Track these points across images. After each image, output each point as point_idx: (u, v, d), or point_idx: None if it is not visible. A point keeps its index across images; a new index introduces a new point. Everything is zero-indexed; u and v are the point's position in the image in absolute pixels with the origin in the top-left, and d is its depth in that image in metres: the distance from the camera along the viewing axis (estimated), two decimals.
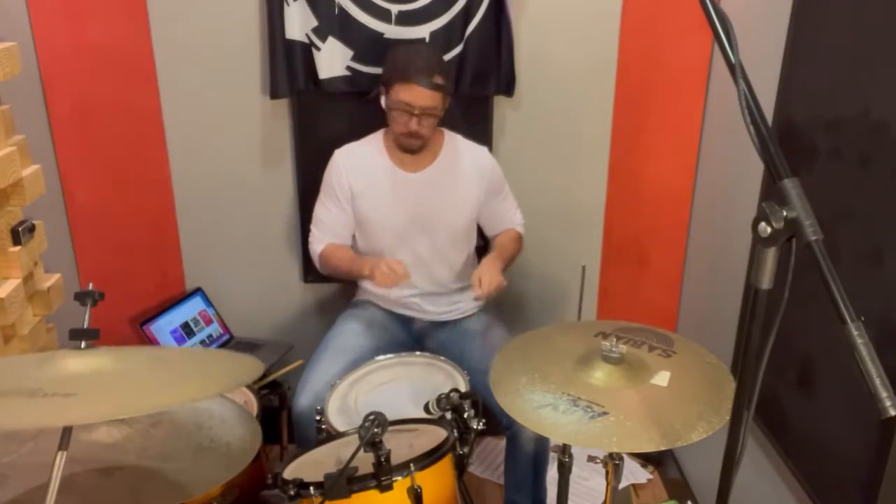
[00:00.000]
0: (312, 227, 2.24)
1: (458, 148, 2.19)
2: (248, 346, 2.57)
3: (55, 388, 1.08)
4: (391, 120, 2.06)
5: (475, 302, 2.28)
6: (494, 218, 2.26)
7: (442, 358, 1.98)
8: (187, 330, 2.49)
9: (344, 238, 2.22)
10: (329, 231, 2.21)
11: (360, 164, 2.16)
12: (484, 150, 2.24)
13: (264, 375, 2.29)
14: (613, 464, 1.58)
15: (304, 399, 1.96)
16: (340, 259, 2.18)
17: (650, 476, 2.58)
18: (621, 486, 2.38)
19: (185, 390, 1.15)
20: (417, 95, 1.98)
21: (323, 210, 2.21)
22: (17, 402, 1.04)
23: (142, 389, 1.15)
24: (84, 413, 1.04)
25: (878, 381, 0.82)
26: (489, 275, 2.00)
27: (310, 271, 2.57)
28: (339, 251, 2.20)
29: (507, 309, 2.52)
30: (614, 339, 1.50)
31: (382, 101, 2.07)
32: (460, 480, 1.61)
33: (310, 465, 1.55)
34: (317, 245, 2.23)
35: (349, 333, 2.18)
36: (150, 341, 2.39)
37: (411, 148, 2.08)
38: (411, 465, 1.40)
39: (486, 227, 2.29)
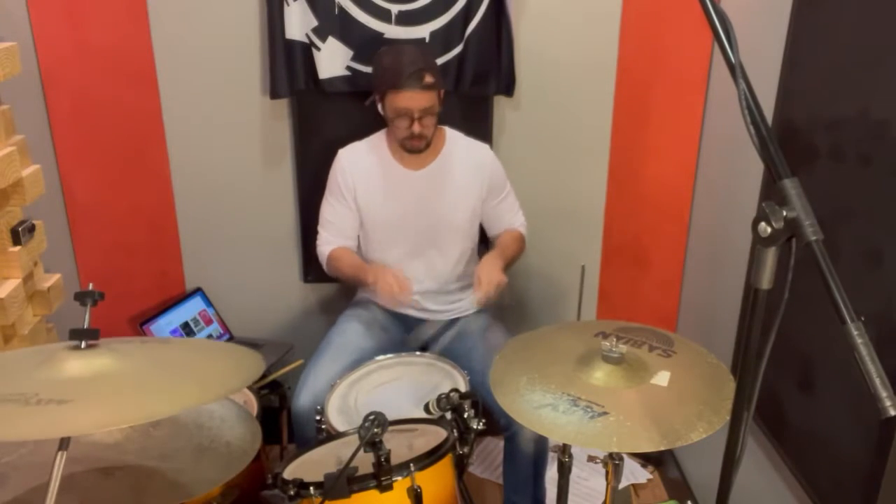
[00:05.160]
0: (319, 229, 2.24)
1: (459, 145, 2.19)
2: (248, 346, 2.55)
3: (51, 393, 1.06)
4: (393, 127, 2.06)
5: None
6: (496, 217, 2.26)
7: (442, 358, 1.98)
8: (187, 330, 2.49)
9: (351, 238, 2.22)
10: (336, 231, 2.21)
11: (363, 162, 2.17)
12: (485, 147, 2.24)
13: (264, 375, 2.29)
14: (613, 464, 1.58)
15: (303, 399, 1.96)
16: (347, 264, 2.17)
17: (650, 476, 2.58)
18: (621, 486, 2.38)
19: (186, 396, 1.14)
20: (412, 100, 1.98)
21: (329, 210, 2.21)
22: (11, 410, 1.03)
23: (141, 395, 1.14)
24: (79, 423, 1.03)
25: (878, 381, 0.82)
26: (489, 273, 1.99)
27: (310, 271, 2.57)
28: (346, 256, 2.20)
29: (507, 309, 2.52)
30: (614, 339, 1.50)
31: (380, 108, 2.07)
32: (460, 480, 1.61)
33: (310, 465, 1.55)
34: (325, 247, 2.22)
35: (350, 333, 2.17)
36: None
37: (417, 149, 2.08)
38: (411, 465, 1.40)
39: (488, 226, 2.29)
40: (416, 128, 2.01)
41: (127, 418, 1.07)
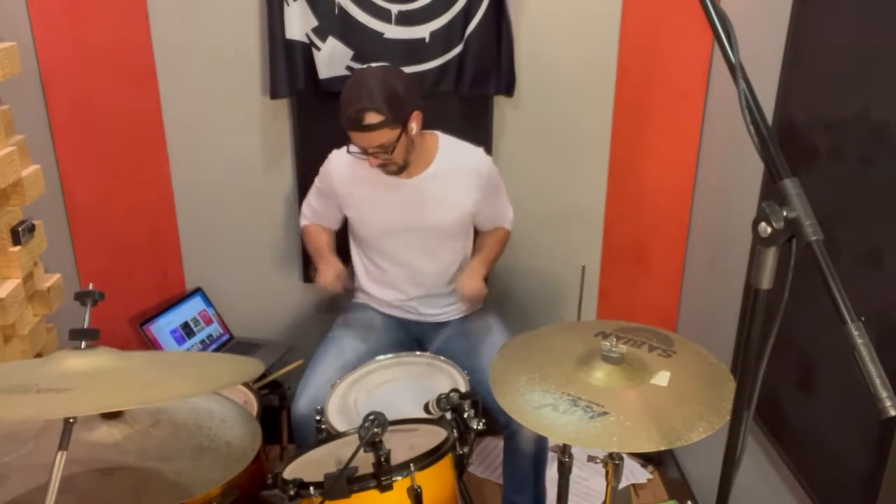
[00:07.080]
0: (304, 203, 2.33)
1: (452, 151, 2.14)
2: (248, 346, 2.57)
3: (51, 384, 1.08)
4: None
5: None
6: (488, 216, 2.25)
7: (442, 358, 1.98)
8: (187, 330, 2.49)
9: (328, 226, 2.31)
10: (315, 216, 2.31)
11: (354, 168, 2.12)
12: (480, 151, 2.18)
13: (264, 375, 2.29)
14: (613, 464, 1.58)
15: (302, 406, 1.96)
16: (311, 242, 2.30)
17: (650, 476, 2.58)
18: (621, 486, 2.38)
19: (183, 385, 1.16)
20: (360, 140, 1.93)
21: (314, 198, 2.28)
22: (12, 397, 1.04)
23: (139, 384, 1.15)
24: (79, 405, 1.04)
25: (878, 382, 0.82)
26: (471, 286, 2.08)
27: (310, 272, 2.57)
28: (314, 236, 2.29)
29: (507, 309, 2.52)
30: (614, 339, 1.50)
31: None
32: (460, 480, 1.61)
33: (310, 465, 1.55)
34: (303, 220, 2.35)
35: (347, 339, 2.17)
36: (150, 341, 2.39)
37: (391, 173, 2.04)
38: (411, 465, 1.40)
39: (479, 224, 2.28)
40: (372, 161, 1.97)
41: (126, 401, 1.08)
